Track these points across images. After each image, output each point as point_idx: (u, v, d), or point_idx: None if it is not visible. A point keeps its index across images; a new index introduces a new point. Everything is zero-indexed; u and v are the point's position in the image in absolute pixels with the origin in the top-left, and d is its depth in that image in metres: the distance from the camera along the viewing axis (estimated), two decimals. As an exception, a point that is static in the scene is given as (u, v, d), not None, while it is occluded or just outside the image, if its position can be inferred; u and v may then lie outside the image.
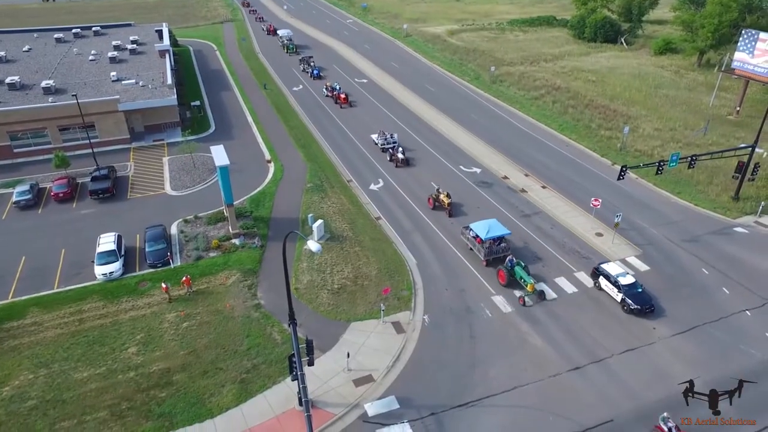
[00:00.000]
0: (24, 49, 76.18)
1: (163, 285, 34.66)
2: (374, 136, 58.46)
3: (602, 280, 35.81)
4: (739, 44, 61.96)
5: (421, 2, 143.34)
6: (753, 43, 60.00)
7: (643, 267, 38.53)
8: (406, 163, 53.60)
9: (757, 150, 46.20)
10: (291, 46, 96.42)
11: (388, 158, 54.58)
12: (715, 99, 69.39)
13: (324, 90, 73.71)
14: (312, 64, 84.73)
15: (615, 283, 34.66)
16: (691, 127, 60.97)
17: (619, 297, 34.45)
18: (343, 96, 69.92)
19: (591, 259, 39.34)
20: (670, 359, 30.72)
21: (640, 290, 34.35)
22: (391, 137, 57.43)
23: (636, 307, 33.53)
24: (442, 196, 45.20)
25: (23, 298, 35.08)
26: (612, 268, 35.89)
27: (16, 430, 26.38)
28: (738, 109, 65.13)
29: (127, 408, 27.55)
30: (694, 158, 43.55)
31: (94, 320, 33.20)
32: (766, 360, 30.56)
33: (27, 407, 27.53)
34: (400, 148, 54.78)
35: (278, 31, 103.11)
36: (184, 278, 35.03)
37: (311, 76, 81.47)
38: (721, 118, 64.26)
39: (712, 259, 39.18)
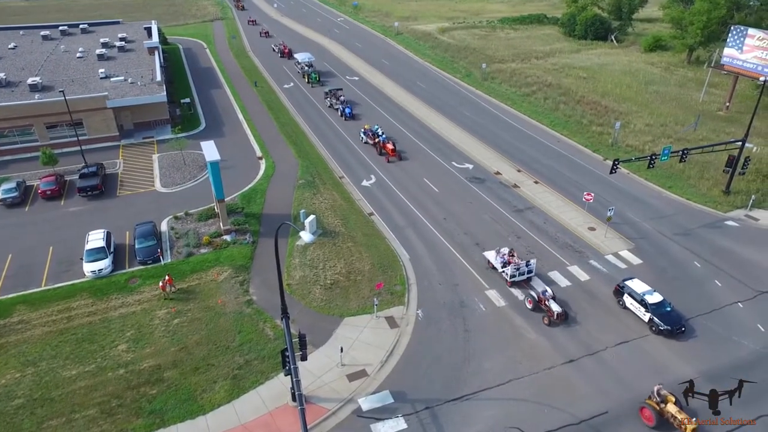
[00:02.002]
0: (9, 46, 75.09)
1: (161, 283, 34.08)
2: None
3: (627, 299, 33.41)
4: (728, 40, 62.38)
5: (411, 0, 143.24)
6: (742, 39, 60.41)
7: (635, 260, 38.57)
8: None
9: (747, 145, 46.47)
10: (313, 74, 77.22)
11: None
12: (705, 95, 69.84)
13: (361, 135, 58.32)
14: (342, 99, 67.70)
15: (641, 302, 32.28)
16: (681, 122, 61.27)
17: (646, 317, 32.08)
18: (390, 146, 54.26)
19: (584, 253, 39.36)
20: (664, 351, 30.74)
21: (669, 309, 32.04)
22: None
23: (666, 328, 31.18)
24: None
25: (10, 296, 34.43)
26: (637, 285, 33.47)
27: (2, 430, 25.82)
28: (728, 104, 65.57)
29: (117, 405, 27.09)
30: (685, 152, 43.70)
31: (83, 318, 32.65)
32: (759, 351, 30.66)
33: (14, 406, 26.98)
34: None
35: (295, 55, 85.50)
36: (166, 277, 34.24)
37: (341, 115, 64.94)
38: (711, 113, 64.65)
39: (704, 252, 39.32)
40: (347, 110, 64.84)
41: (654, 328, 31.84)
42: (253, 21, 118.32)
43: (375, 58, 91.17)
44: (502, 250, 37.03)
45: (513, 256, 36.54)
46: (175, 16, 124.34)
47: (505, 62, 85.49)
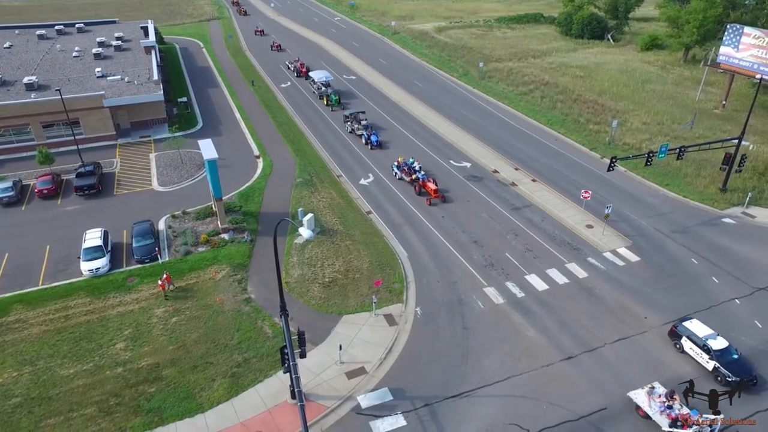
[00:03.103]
0: (5, 45, 74.73)
1: (160, 282, 33.95)
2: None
3: (685, 342, 29.95)
4: (724, 39, 62.59)
5: (408, 0, 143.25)
6: (738, 37, 60.62)
7: (633, 258, 38.66)
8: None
9: (743, 142, 46.64)
10: (333, 97, 68.08)
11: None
12: (702, 93, 70.07)
13: (394, 170, 49.99)
14: (365, 123, 59.37)
15: (704, 347, 29.01)
16: (678, 120, 61.44)
17: (710, 365, 28.62)
18: (432, 186, 45.63)
19: (582, 251, 39.43)
20: (662, 348, 30.81)
21: (736, 356, 28.66)
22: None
23: (735, 379, 27.61)
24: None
25: (6, 295, 34.25)
26: (697, 327, 29.88)
27: (0, 429, 25.71)
28: (724, 102, 65.81)
29: (116, 404, 26.99)
30: (682, 149, 43.83)
31: (81, 316, 32.52)
32: (756, 346, 30.76)
33: (11, 405, 26.85)
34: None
35: (311, 73, 74.57)
36: (164, 276, 34.15)
37: (366, 143, 57.00)
38: (707, 111, 64.87)
39: (701, 249, 39.44)
40: (373, 138, 56.17)
41: (720, 379, 28.23)
42: (260, 31, 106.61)
43: (372, 57, 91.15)
44: (656, 389, 26.44)
45: (674, 399, 25.88)
46: (171, 15, 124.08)
47: (502, 61, 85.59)
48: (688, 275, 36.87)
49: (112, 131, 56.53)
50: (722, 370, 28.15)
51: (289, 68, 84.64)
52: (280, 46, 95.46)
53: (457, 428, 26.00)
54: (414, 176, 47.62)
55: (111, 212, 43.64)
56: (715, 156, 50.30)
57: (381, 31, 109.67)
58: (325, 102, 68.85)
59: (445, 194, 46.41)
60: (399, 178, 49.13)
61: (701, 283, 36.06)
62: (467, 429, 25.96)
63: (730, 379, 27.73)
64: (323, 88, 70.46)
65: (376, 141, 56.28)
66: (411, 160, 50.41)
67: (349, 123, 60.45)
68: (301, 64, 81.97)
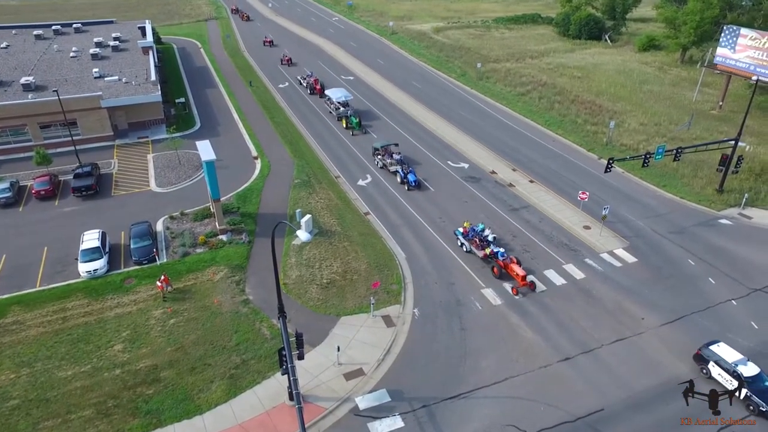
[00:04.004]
0: (2, 45, 74.56)
1: (158, 283, 33.92)
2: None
3: (713, 368, 28.36)
4: (721, 40, 62.80)
5: (406, 0, 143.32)
6: (734, 38, 60.82)
7: (630, 259, 38.78)
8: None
9: (740, 143, 46.81)
10: (353, 119, 60.79)
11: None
12: (699, 94, 70.28)
13: (458, 237, 39.45)
14: (400, 158, 50.47)
15: (733, 374, 27.50)
16: (675, 121, 61.63)
17: (741, 393, 26.82)
18: (518, 268, 35.59)
19: (579, 252, 39.53)
20: (660, 348, 30.92)
21: None
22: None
23: None
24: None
25: (4, 296, 34.20)
26: (725, 352, 28.30)
27: (-2, 431, 25.74)
28: (721, 103, 66.03)
29: (114, 406, 26.98)
30: (679, 151, 43.99)
31: (79, 318, 32.49)
32: (753, 347, 30.87)
33: (9, 407, 26.81)
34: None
35: (327, 91, 66.64)
36: (162, 277, 34.11)
37: (402, 182, 48.14)
38: (704, 112, 65.07)
39: (698, 250, 39.58)
40: (411, 177, 47.54)
41: (753, 408, 26.61)
42: (269, 42, 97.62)
43: (370, 57, 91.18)
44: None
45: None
46: (169, 15, 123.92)
47: (500, 62, 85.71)
48: (685, 276, 37.00)
49: (110, 132, 56.46)
50: (755, 399, 26.46)
51: (301, 84, 76.74)
52: (290, 60, 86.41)
53: (455, 430, 26.07)
54: (488, 251, 37.31)
55: (109, 213, 43.61)
56: (712, 157, 50.46)
57: (379, 31, 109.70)
58: (344, 125, 61.50)
59: (444, 195, 46.25)
60: (467, 251, 38.75)
61: (698, 284, 36.20)
62: (465, 430, 26.03)
63: (764, 409, 26.13)
64: (341, 108, 63.46)
65: (415, 181, 47.44)
66: (481, 226, 39.56)
67: (379, 157, 51.69)
68: (315, 81, 73.30)
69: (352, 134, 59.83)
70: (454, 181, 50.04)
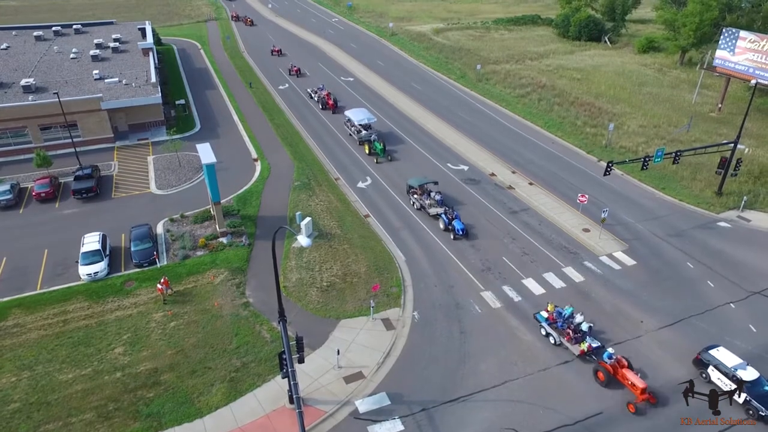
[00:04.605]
0: (2, 47, 74.63)
1: (158, 286, 34.01)
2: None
3: (712, 372, 28.36)
4: (720, 42, 62.90)
5: (406, 1, 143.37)
6: (734, 41, 60.95)
7: (629, 262, 38.89)
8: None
9: (739, 146, 46.93)
10: (377, 145, 54.00)
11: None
12: (698, 96, 70.40)
13: (541, 325, 32.11)
14: (440, 199, 44.30)
15: (733, 378, 27.36)
16: (674, 124, 61.76)
17: (741, 397, 26.84)
18: (635, 379, 27.74)
19: (578, 255, 39.64)
20: (658, 352, 31.03)
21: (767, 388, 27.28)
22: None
23: None
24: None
25: (4, 299, 34.33)
26: (725, 356, 28.25)
27: (-1, 434, 25.84)
28: (720, 106, 66.15)
29: (114, 409, 27.09)
30: (678, 154, 44.12)
31: (79, 321, 32.60)
32: (751, 351, 30.98)
33: (10, 410, 26.93)
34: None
35: (347, 112, 59.59)
36: (162, 280, 34.21)
37: (446, 229, 41.61)
38: (703, 115, 65.19)
39: (697, 253, 39.70)
40: (457, 225, 40.82)
41: (752, 413, 26.53)
42: (277, 51, 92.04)
43: (370, 58, 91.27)
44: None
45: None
46: (169, 16, 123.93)
47: (500, 63, 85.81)
48: (683, 279, 37.12)
49: (110, 134, 56.55)
50: (755, 404, 26.41)
51: (311, 98, 70.88)
52: (299, 70, 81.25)
53: (454, 433, 26.19)
54: (584, 346, 30.18)
55: (109, 215, 43.71)
56: (711, 159, 50.58)
57: (379, 32, 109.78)
58: (367, 150, 54.86)
59: (444, 195, 46.29)
60: (557, 343, 31.32)
61: (697, 287, 36.32)
62: (464, 434, 26.13)
63: (763, 414, 26.13)
64: (363, 132, 56.73)
65: (462, 230, 40.60)
66: (569, 310, 32.26)
67: (415, 197, 45.09)
68: (327, 95, 67.57)
69: (376, 162, 52.97)
70: (453, 182, 50.09)
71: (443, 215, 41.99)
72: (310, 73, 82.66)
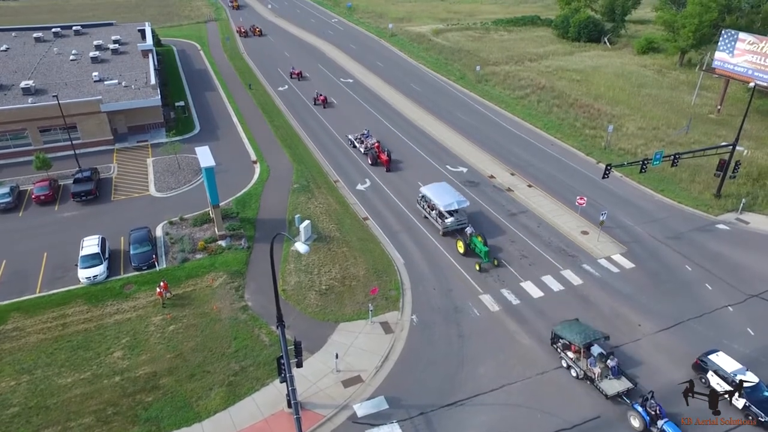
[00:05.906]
0: (1, 48, 74.69)
1: (158, 290, 34.05)
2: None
3: (712, 377, 28.32)
4: (719, 44, 62.92)
5: (406, 1, 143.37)
6: (733, 43, 60.97)
7: (628, 264, 38.94)
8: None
9: (737, 148, 46.96)
10: (474, 239, 38.56)
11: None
12: (697, 98, 70.41)
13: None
14: (614, 367, 28.72)
15: (732, 383, 27.25)
16: (673, 125, 61.78)
17: (740, 403, 26.84)
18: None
19: (577, 257, 39.69)
20: (656, 355, 31.09)
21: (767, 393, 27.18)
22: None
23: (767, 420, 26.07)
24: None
25: (3, 303, 34.36)
26: (724, 361, 28.31)
27: (-2, 438, 25.91)
28: (719, 107, 66.17)
29: (113, 413, 27.16)
30: (677, 157, 44.15)
31: (78, 325, 32.66)
32: (749, 354, 31.03)
33: (9, 414, 27.00)
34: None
35: (424, 189, 43.52)
36: (161, 284, 34.25)
37: (583, 372, 29.42)
38: (702, 116, 65.21)
39: (695, 256, 39.74)
40: (613, 369, 28.45)
41: (752, 418, 26.48)
42: (297, 74, 79.74)
43: (369, 59, 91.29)
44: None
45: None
46: (168, 17, 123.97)
47: (499, 64, 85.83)
48: (682, 282, 37.17)
49: (110, 136, 56.61)
50: (754, 409, 26.34)
51: (354, 146, 56.83)
52: (326, 99, 69.91)
53: (452, 437, 26.25)
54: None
55: (108, 218, 43.76)
56: (709, 161, 50.61)
57: (378, 33, 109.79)
58: (461, 248, 38.98)
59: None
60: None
61: (695, 290, 36.36)
62: (462, 438, 26.18)
63: (763, 419, 26.10)
64: (449, 219, 40.86)
65: (617, 372, 28.63)
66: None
67: (569, 354, 30.01)
68: (377, 146, 53.57)
69: (478, 269, 37.63)
70: (452, 184, 50.04)
71: (642, 411, 26.27)
72: (310, 74, 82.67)
